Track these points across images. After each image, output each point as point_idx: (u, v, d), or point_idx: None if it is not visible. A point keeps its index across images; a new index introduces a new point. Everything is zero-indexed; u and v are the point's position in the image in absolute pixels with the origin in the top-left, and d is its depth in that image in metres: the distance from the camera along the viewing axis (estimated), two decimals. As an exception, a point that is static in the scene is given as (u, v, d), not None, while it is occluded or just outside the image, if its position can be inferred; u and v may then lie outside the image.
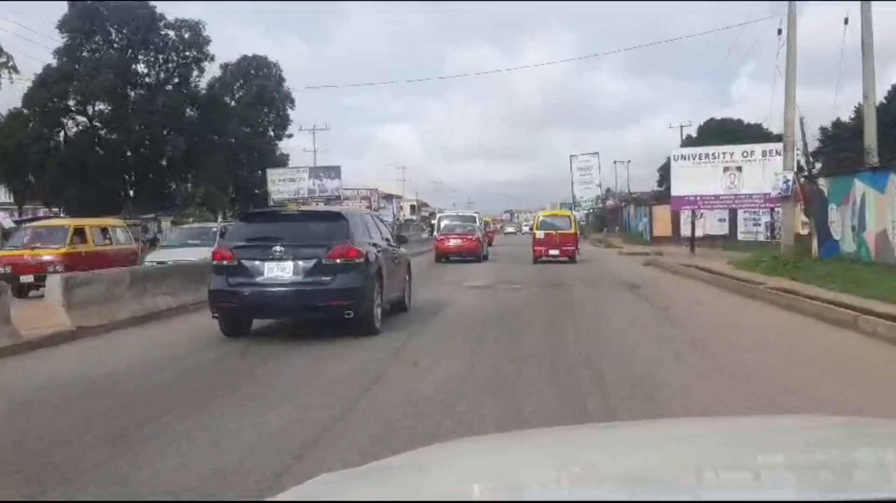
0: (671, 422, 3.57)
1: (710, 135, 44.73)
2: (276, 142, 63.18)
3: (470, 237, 29.08)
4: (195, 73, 51.58)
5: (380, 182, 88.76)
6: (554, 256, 26.79)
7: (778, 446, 1.79)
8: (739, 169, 30.45)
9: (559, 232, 27.23)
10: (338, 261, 9.76)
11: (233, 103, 60.29)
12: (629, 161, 76.37)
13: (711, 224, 39.63)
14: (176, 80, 51.57)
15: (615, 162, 77.43)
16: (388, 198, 79.62)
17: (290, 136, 63.24)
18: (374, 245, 10.83)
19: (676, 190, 31.40)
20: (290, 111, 62.47)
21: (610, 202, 76.18)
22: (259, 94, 60.56)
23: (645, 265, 23.72)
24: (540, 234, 27.57)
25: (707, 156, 31.05)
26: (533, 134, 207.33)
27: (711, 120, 46.42)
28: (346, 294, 9.63)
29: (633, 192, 74.39)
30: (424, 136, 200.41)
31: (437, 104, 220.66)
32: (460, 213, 36.78)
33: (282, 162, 61.07)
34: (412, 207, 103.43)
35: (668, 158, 32.51)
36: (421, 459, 1.82)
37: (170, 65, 50.81)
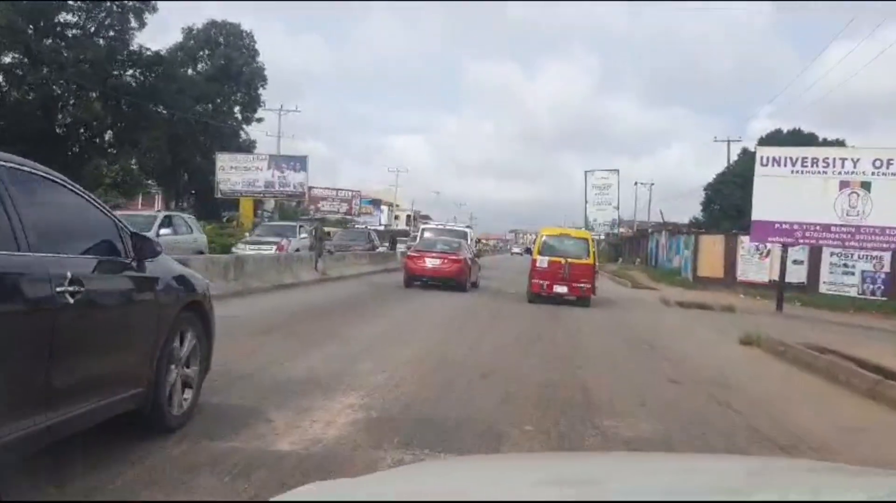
0: (665, 455, 3.53)
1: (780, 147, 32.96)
2: (244, 125, 51.61)
3: (453, 258, 20.06)
4: (133, 24, 40.06)
5: (386, 191, 77.06)
6: (560, 295, 17.35)
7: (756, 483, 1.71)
8: (866, 186, 18.65)
9: (570, 260, 17.44)
10: None
11: (196, 75, 49.03)
12: (652, 184, 64.35)
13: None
14: (110, 32, 40.16)
15: (636, 184, 65.56)
16: (376, 203, 67.74)
17: (259, 119, 51.68)
18: None
19: (761, 211, 19.53)
20: (261, 91, 50.90)
21: (621, 229, 64.22)
22: (225, 66, 49.02)
23: (745, 344, 11.82)
24: (542, 261, 17.65)
25: (815, 161, 19.22)
26: (544, 156, 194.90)
27: (777, 132, 34.76)
28: None
29: (652, 219, 62.41)
30: (434, 149, 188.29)
31: (449, 117, 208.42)
32: (449, 227, 29.83)
33: (246, 148, 49.54)
34: (408, 217, 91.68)
35: (755, 154, 20.51)
36: (413, 474, 1.82)
37: (101, 13, 39.31)
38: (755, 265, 28.17)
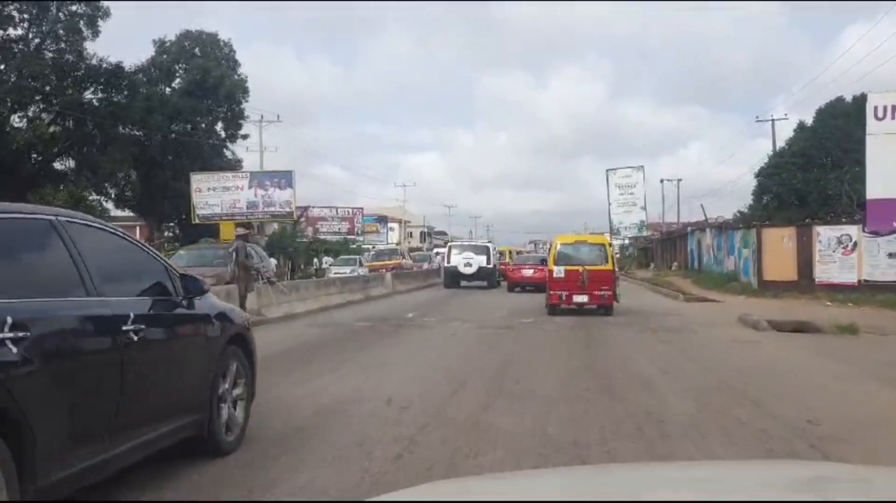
0: (688, 464, 3.36)
1: (843, 118, 26.32)
2: (228, 143, 45.83)
3: (542, 269, 22.97)
4: (86, 33, 34.49)
5: (396, 208, 71.01)
6: (580, 304, 16.22)
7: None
8: None
9: (588, 268, 16.13)
10: None
11: (170, 91, 43.50)
12: (680, 180, 57.72)
13: (874, 259, 21.09)
14: (60, 44, 34.66)
15: (662, 181, 58.96)
16: (382, 220, 61.59)
17: (244, 136, 45.87)
18: None
19: (880, 184, 13.30)
20: (244, 104, 45.09)
21: (648, 232, 57.41)
22: (201, 80, 43.27)
23: None
24: (558, 270, 16.37)
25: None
26: (561, 163, 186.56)
27: (839, 100, 28.05)
28: None
29: (683, 220, 55.87)
30: (449, 165, 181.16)
31: (464, 132, 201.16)
32: (472, 243, 33.73)
33: (231, 168, 43.78)
34: (422, 234, 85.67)
35: (866, 105, 14.07)
36: (431, 494, 1.61)
37: (44, 26, 33.78)
38: (838, 262, 21.61)
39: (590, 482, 1.69)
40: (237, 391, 5.02)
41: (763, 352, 10.40)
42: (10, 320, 2.98)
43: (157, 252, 4.67)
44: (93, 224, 4.14)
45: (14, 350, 2.97)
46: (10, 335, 2.97)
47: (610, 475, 1.95)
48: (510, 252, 43.67)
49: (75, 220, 3.90)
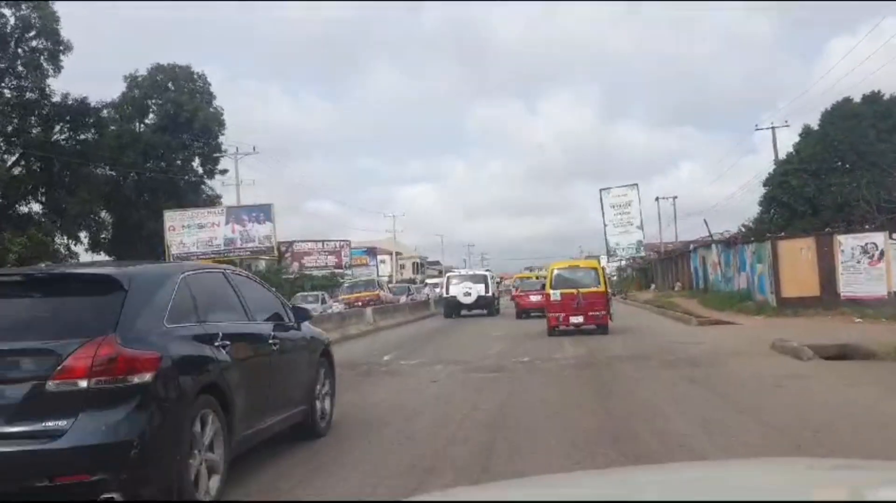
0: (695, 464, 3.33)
1: (853, 119, 24.43)
2: (206, 179, 43.74)
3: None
4: (49, 69, 32.66)
5: (388, 240, 68.89)
6: (577, 325, 16.85)
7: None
8: None
9: (582, 290, 16.90)
10: (82, 383, 3.72)
11: (143, 128, 41.63)
12: (675, 198, 55.71)
13: (901, 270, 18.97)
14: (21, 81, 32.79)
15: (657, 199, 56.92)
16: (371, 252, 59.36)
17: (223, 171, 43.76)
18: (214, 337, 4.78)
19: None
20: (221, 138, 43.08)
21: (645, 252, 55.24)
22: (175, 114, 41.36)
23: None
24: (555, 294, 17.08)
25: None
26: (555, 189, 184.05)
27: (846, 101, 26.10)
28: (98, 458, 3.66)
29: (681, 239, 53.83)
30: (443, 195, 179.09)
31: (457, 162, 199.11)
32: (471, 272, 33.03)
33: (210, 205, 41.69)
34: (416, 265, 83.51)
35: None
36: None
37: (2, 62, 31.90)
38: (864, 273, 19.50)
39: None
40: (326, 390, 6.70)
41: (820, 390, 8.20)
42: (221, 333, 4.86)
43: (275, 292, 6.73)
44: (240, 273, 6.46)
45: (224, 352, 4.80)
46: (222, 343, 4.82)
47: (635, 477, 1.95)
48: (536, 276, 40.39)
49: (233, 271, 6.18)
